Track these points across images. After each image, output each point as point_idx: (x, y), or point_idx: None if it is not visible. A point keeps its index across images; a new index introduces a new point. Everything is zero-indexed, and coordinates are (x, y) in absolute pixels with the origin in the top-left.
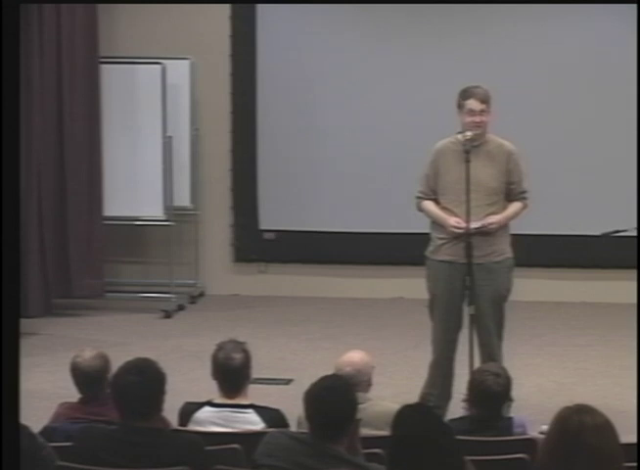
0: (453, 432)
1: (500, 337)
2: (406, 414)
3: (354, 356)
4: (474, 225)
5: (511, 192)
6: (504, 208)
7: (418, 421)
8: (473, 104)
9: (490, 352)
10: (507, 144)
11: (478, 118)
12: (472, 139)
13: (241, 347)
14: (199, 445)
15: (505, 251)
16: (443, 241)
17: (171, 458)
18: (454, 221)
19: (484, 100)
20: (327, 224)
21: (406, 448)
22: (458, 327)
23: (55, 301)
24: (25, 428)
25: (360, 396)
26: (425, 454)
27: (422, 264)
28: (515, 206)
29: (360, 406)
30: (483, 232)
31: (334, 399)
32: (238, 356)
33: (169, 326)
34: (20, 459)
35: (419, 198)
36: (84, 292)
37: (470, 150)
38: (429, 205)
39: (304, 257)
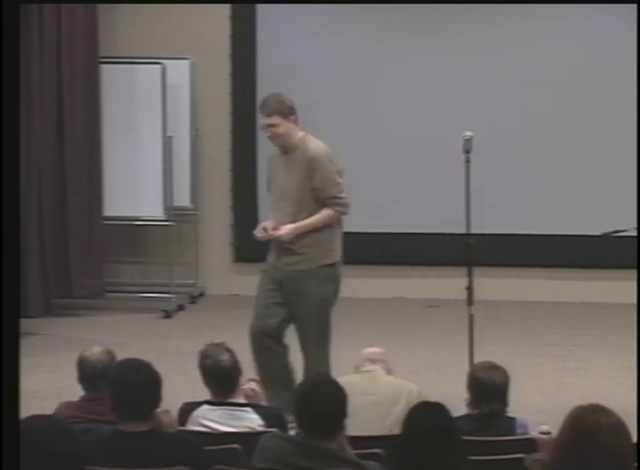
0: (460, 432)
1: (320, 348)
2: (418, 412)
3: (374, 349)
4: (262, 235)
5: (318, 199)
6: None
7: (429, 419)
8: (260, 118)
9: (307, 362)
10: (313, 148)
11: (268, 132)
12: (279, 146)
13: (223, 347)
14: (198, 445)
15: (317, 259)
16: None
17: (171, 459)
18: (260, 226)
19: (271, 113)
20: None
21: (415, 446)
22: (271, 326)
23: (55, 301)
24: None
25: None
26: (433, 453)
27: (422, 264)
28: (321, 213)
29: None
30: (288, 241)
31: (324, 396)
32: (225, 358)
33: (169, 326)
34: (20, 459)
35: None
36: (84, 292)
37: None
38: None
39: None
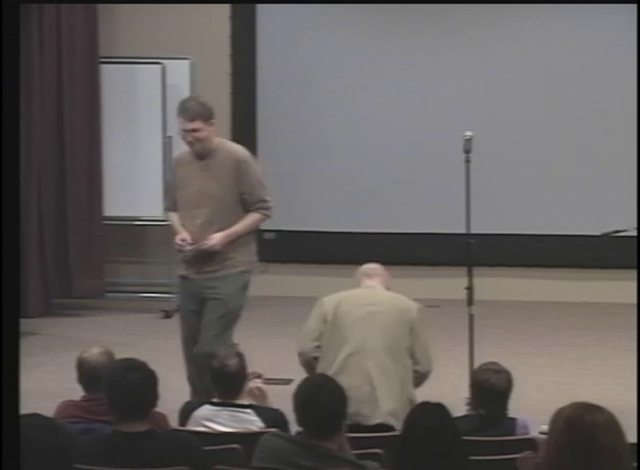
0: (460, 432)
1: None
2: (419, 412)
3: (370, 265)
4: (191, 248)
5: (245, 202)
6: (239, 218)
7: (430, 420)
8: (182, 122)
9: (200, 362)
10: (238, 151)
11: (189, 137)
12: (198, 151)
13: (234, 350)
14: (198, 445)
15: (238, 264)
16: (181, 255)
17: (170, 459)
18: (179, 239)
19: (195, 117)
20: (327, 224)
21: (415, 446)
22: (196, 338)
23: (55, 301)
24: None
25: None
26: (433, 453)
27: (421, 264)
28: (249, 218)
29: None
30: (211, 250)
31: (325, 396)
32: (233, 362)
33: (169, 326)
34: (19, 459)
35: (166, 209)
36: (84, 292)
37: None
38: (172, 217)
39: (304, 257)
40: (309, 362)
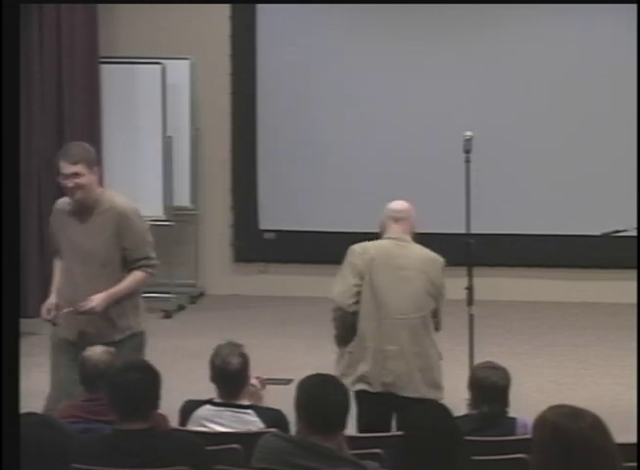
0: (462, 433)
1: None
2: (420, 412)
3: (398, 205)
4: (68, 310)
5: (126, 259)
6: (123, 278)
7: (430, 420)
8: (63, 166)
9: None
10: (121, 204)
11: (70, 183)
12: (78, 201)
13: (238, 350)
14: (198, 444)
15: (129, 327)
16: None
17: (171, 458)
18: (44, 310)
19: (78, 161)
20: (327, 224)
21: (416, 446)
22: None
23: None
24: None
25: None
26: (434, 453)
27: None
28: (131, 277)
29: None
30: (91, 313)
31: (327, 394)
32: (235, 361)
33: (169, 326)
34: (19, 458)
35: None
36: None
37: None
38: (56, 266)
39: (304, 257)
40: (345, 317)
